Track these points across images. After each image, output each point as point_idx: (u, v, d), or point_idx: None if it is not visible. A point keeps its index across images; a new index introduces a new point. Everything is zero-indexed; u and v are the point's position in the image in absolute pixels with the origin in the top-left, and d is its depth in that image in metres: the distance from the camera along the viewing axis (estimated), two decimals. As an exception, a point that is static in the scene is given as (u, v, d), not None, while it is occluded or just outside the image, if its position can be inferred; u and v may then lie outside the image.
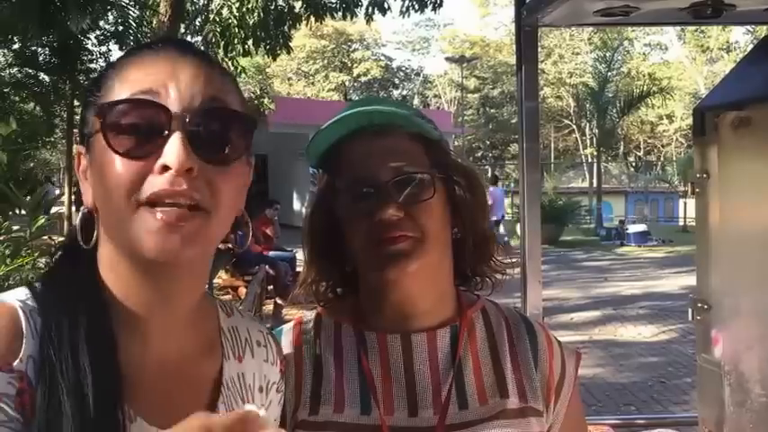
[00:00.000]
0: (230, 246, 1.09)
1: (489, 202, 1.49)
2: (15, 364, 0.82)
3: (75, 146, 1.00)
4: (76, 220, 0.97)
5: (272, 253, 11.59)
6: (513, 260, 1.47)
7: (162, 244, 0.85)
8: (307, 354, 1.31)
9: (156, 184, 0.84)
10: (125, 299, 0.93)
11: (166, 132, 0.85)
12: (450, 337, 1.30)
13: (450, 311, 1.32)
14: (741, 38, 40.50)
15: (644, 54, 50.40)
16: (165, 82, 0.88)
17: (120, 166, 0.85)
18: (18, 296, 0.90)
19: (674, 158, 45.22)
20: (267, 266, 11.07)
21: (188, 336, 1.01)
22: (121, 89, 0.89)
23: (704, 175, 2.09)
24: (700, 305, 2.11)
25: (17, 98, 19.55)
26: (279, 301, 10.72)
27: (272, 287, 11.26)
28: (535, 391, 1.30)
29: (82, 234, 0.94)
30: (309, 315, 1.38)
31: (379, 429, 1.22)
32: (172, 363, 0.98)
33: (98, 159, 0.89)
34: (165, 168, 0.84)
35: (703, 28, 34.70)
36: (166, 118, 0.85)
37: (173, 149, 0.84)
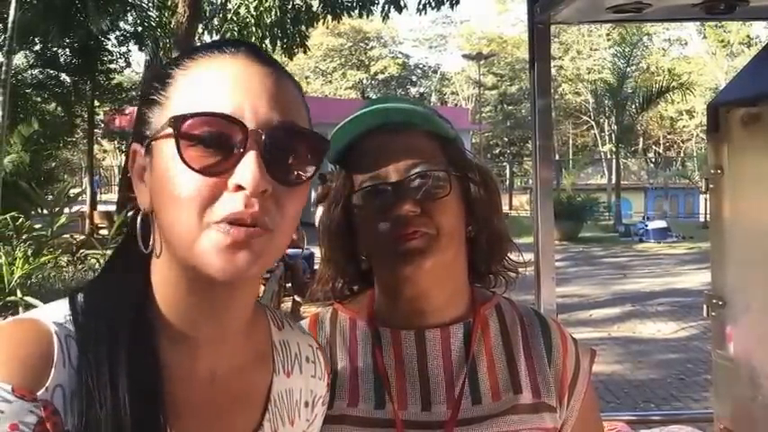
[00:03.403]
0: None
1: None
2: (40, 393, 0.79)
3: (131, 144, 0.93)
4: (126, 219, 0.95)
5: (289, 251, 11.60)
6: (526, 260, 1.47)
7: (231, 263, 0.83)
8: None
9: (229, 205, 0.82)
10: (176, 311, 0.91)
11: (241, 149, 0.82)
12: (464, 333, 1.31)
13: (464, 308, 1.33)
14: (762, 32, 40.04)
15: (663, 49, 49.99)
16: (241, 95, 0.84)
17: (192, 181, 0.82)
18: (56, 317, 0.86)
19: (695, 154, 44.87)
20: (285, 264, 11.10)
21: (239, 349, 0.99)
22: (193, 95, 0.86)
23: (718, 171, 2.09)
24: (714, 301, 2.11)
25: (39, 99, 19.76)
26: (297, 299, 10.75)
27: (290, 285, 11.30)
28: (549, 388, 1.30)
29: (141, 238, 0.91)
30: (325, 311, 1.39)
31: (392, 423, 1.24)
32: (221, 377, 0.96)
33: (164, 168, 0.85)
34: (240, 188, 0.81)
35: (723, 22, 34.34)
36: (243, 135, 0.82)
37: (248, 169, 0.81)
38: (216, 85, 0.85)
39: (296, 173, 0.87)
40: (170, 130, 0.83)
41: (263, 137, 0.83)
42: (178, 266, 0.88)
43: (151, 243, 0.91)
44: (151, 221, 0.90)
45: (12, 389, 0.77)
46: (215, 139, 0.82)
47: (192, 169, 0.82)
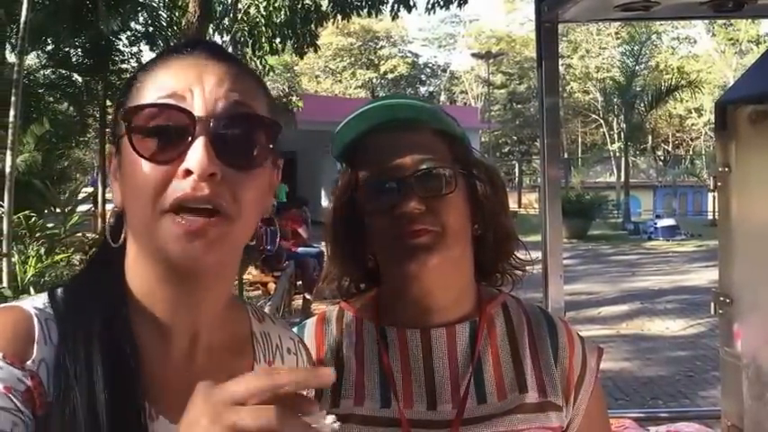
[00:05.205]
0: (260, 243, 1.07)
1: None
2: (28, 363, 0.83)
3: (107, 146, 1.02)
4: (108, 219, 0.98)
5: (300, 249, 11.66)
6: (534, 258, 1.47)
7: (185, 251, 0.85)
8: (328, 348, 1.33)
9: (178, 189, 0.85)
10: (150, 299, 0.94)
11: (190, 137, 0.85)
12: (470, 332, 1.30)
13: (470, 307, 1.33)
14: (771, 30, 39.72)
15: (672, 48, 49.67)
16: (190, 86, 0.88)
17: (144, 169, 0.86)
18: (35, 303, 0.90)
19: (703, 152, 44.63)
20: (295, 262, 11.15)
21: (216, 337, 1.00)
22: (149, 92, 0.89)
23: (726, 169, 2.10)
24: (722, 299, 2.12)
25: (51, 99, 19.81)
26: (307, 297, 10.79)
27: (300, 282, 11.35)
28: (555, 386, 1.30)
29: (111, 233, 0.96)
30: (332, 310, 1.39)
31: (398, 422, 1.24)
32: (198, 364, 0.98)
33: (125, 162, 0.89)
34: (188, 173, 0.84)
35: (732, 20, 34.15)
36: (190, 122, 0.85)
37: (196, 154, 0.84)
38: (169, 79, 0.89)
39: (249, 158, 0.89)
40: (124, 124, 0.88)
41: (212, 123, 0.86)
42: (145, 256, 0.92)
43: (122, 238, 0.95)
44: (124, 217, 0.94)
45: (2, 355, 0.81)
46: (164, 129, 0.86)
47: (143, 157, 0.85)
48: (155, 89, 0.89)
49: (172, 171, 0.85)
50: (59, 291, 0.94)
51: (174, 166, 0.85)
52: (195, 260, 0.86)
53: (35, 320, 0.87)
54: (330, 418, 0.72)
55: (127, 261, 0.96)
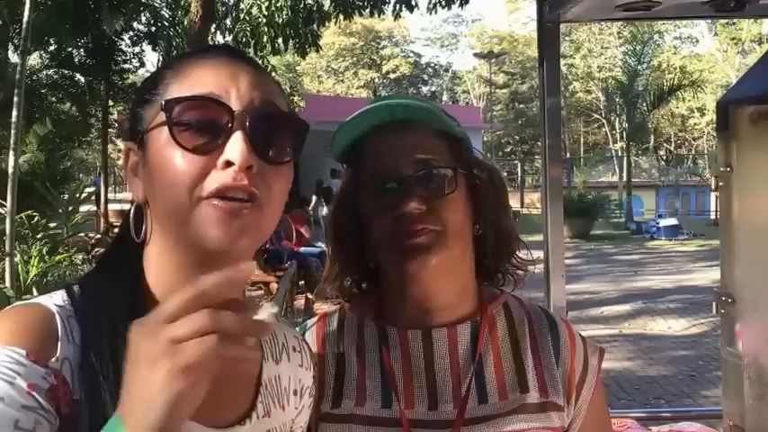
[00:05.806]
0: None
1: None
2: (51, 361, 0.84)
3: (122, 143, 1.01)
4: (129, 214, 0.99)
5: (302, 248, 11.67)
6: (535, 257, 1.47)
7: (224, 233, 0.88)
8: (330, 348, 1.33)
9: (219, 179, 0.88)
10: (170, 294, 0.96)
11: (228, 131, 0.89)
12: (471, 332, 1.30)
13: (471, 307, 1.33)
14: (773, 30, 39.58)
15: (674, 47, 49.59)
16: (226, 84, 0.92)
17: (184, 160, 0.89)
18: (56, 300, 0.92)
19: (706, 152, 44.59)
20: (298, 262, 11.14)
21: None
22: (182, 88, 0.93)
23: (728, 169, 2.10)
24: (723, 298, 2.12)
25: (54, 99, 19.87)
26: (310, 296, 10.78)
27: (303, 282, 11.34)
28: (556, 387, 1.30)
29: (134, 227, 0.97)
30: (333, 310, 1.40)
31: (399, 422, 1.24)
32: None
33: (157, 154, 0.91)
34: (228, 164, 0.88)
35: (735, 20, 34.08)
36: (229, 117, 0.90)
37: (236, 146, 0.87)
38: (203, 75, 0.93)
39: (278, 152, 0.94)
40: (163, 117, 0.91)
41: (248, 119, 0.90)
42: (173, 247, 0.94)
43: (143, 232, 0.97)
44: (144, 211, 0.97)
45: (26, 353, 0.83)
46: (204, 121, 0.90)
47: (184, 148, 0.89)
48: (189, 84, 0.93)
49: (209, 162, 0.89)
50: (76, 288, 0.95)
51: (211, 158, 0.89)
52: (232, 243, 0.89)
53: (57, 318, 0.89)
54: (267, 305, 0.79)
55: (147, 257, 0.98)
